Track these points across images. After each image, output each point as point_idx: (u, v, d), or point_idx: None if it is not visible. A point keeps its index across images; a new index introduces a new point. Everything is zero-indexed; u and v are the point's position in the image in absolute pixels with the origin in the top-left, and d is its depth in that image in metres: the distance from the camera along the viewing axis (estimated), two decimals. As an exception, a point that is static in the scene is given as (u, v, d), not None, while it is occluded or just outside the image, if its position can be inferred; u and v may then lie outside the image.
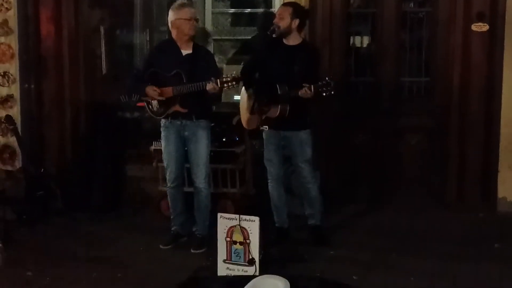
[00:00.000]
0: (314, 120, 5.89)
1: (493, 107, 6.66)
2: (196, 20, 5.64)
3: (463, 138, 6.76)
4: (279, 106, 5.48)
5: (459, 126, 6.75)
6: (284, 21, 5.60)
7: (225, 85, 5.25)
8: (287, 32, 5.63)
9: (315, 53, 5.92)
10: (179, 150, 5.71)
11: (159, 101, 5.60)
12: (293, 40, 5.68)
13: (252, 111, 5.75)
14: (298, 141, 5.69)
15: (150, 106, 5.71)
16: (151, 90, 5.58)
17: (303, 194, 5.92)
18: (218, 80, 5.24)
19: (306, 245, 5.77)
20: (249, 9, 9.64)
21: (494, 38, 6.58)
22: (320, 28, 6.95)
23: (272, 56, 5.68)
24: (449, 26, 6.73)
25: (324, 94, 5.29)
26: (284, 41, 5.68)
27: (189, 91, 5.41)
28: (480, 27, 6.57)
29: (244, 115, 5.89)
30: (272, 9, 7.68)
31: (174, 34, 5.64)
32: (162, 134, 5.74)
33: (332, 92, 5.29)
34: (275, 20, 5.65)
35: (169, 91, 5.54)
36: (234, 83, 5.26)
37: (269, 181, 5.88)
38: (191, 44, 5.65)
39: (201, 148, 5.63)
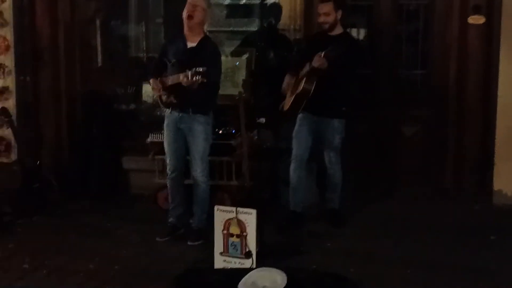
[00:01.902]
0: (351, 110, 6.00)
1: (489, 99, 6.67)
2: (195, 5, 5.51)
3: (460, 130, 6.79)
4: (303, 82, 5.60)
5: (456, 118, 6.78)
6: (330, 16, 5.77)
7: (194, 78, 5.14)
8: (334, 26, 5.80)
9: (357, 41, 6.25)
10: (177, 141, 5.70)
11: (165, 91, 5.62)
12: (337, 30, 5.85)
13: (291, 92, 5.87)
14: (329, 129, 5.84)
15: (160, 97, 5.72)
16: (153, 83, 5.65)
17: (326, 179, 6.07)
18: (189, 72, 5.16)
19: (303, 238, 5.78)
20: (244, 1, 9.62)
21: (491, 31, 6.60)
22: (317, 20, 6.93)
23: (318, 48, 5.66)
24: (445, 19, 6.74)
25: (334, 54, 5.38)
26: (328, 32, 5.84)
27: (174, 83, 5.42)
28: (476, 19, 6.58)
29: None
30: (266, 1, 7.71)
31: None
32: (164, 122, 5.78)
33: (341, 51, 5.38)
34: (322, 19, 5.79)
35: (164, 81, 5.58)
36: (199, 77, 5.13)
37: (292, 162, 5.95)
38: (199, 37, 5.62)
39: (198, 142, 5.62)
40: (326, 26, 5.80)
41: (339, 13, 5.80)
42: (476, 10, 6.58)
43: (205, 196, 5.75)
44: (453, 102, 6.78)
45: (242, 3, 9.55)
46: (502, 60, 6.57)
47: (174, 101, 5.54)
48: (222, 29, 9.65)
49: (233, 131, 6.55)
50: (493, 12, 6.57)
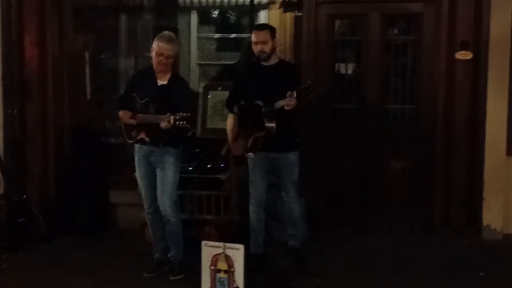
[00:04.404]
0: (301, 145, 5.88)
1: (477, 134, 6.69)
2: (168, 56, 5.49)
3: (448, 164, 6.78)
4: (265, 123, 5.42)
5: (444, 153, 6.78)
6: (268, 45, 5.62)
7: (178, 123, 5.11)
8: (271, 54, 5.66)
9: (295, 68, 5.99)
10: (149, 175, 5.66)
11: (132, 126, 5.59)
12: (272, 60, 5.71)
13: (237, 136, 5.71)
14: (287, 163, 5.68)
15: (127, 132, 5.69)
16: (123, 113, 5.61)
17: (286, 215, 5.89)
18: (171, 117, 5.13)
19: (292, 273, 5.73)
20: (234, 35, 9.68)
21: (478, 66, 6.64)
22: (306, 55, 7.00)
23: (255, 80, 5.63)
24: (433, 54, 6.78)
25: (307, 97, 5.23)
26: (263, 63, 5.68)
27: (150, 122, 5.38)
28: (464, 55, 6.63)
29: (232, 142, 5.85)
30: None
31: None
32: (135, 159, 5.73)
33: (316, 93, 5.23)
34: (259, 47, 5.61)
35: (138, 117, 5.54)
36: (184, 122, 5.11)
37: (250, 204, 5.84)
38: (169, 75, 5.60)
39: (167, 175, 5.56)
40: (264, 55, 5.61)
41: (275, 41, 5.68)
42: (464, 46, 6.63)
43: (177, 230, 5.68)
44: (441, 136, 6.79)
45: (232, 36, 9.61)
46: (489, 95, 6.62)
47: (147, 139, 5.49)
48: (212, 62, 9.71)
49: (222, 165, 6.54)
50: (480, 47, 6.62)
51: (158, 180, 5.62)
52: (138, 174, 5.71)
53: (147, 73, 5.69)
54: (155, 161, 5.59)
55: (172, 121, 5.13)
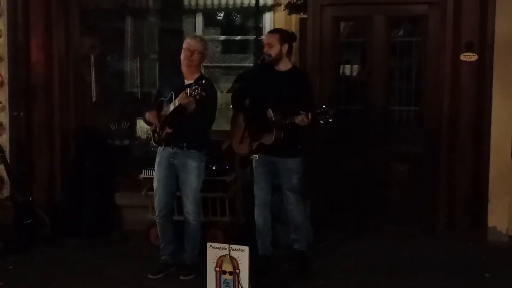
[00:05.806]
0: (304, 148, 5.85)
1: (482, 136, 6.68)
2: (194, 51, 5.60)
3: (453, 166, 6.77)
4: (274, 133, 5.43)
5: (448, 155, 6.77)
6: (274, 48, 5.62)
7: (195, 93, 5.14)
8: (278, 59, 5.64)
9: (307, 77, 5.94)
10: (169, 177, 5.70)
11: (160, 127, 5.63)
12: (284, 65, 5.69)
13: (243, 137, 5.71)
14: (285, 169, 5.66)
15: (155, 134, 5.73)
16: (148, 113, 5.68)
17: (289, 220, 5.88)
18: (187, 89, 5.21)
19: (296, 275, 5.73)
20: (239, 37, 9.69)
21: (483, 68, 6.62)
22: (311, 57, 7.00)
23: (264, 82, 5.62)
24: (438, 56, 6.77)
25: (321, 122, 5.23)
26: (275, 67, 5.68)
27: (172, 108, 5.43)
28: (469, 57, 6.62)
29: (235, 140, 5.86)
30: (262, 37, 7.72)
31: None
32: (156, 160, 5.77)
33: (330, 120, 5.23)
34: (265, 49, 5.65)
35: (162, 116, 5.60)
36: (197, 92, 5.12)
37: (255, 206, 5.84)
38: (196, 75, 5.67)
39: (191, 178, 5.62)
40: (269, 58, 5.61)
41: (285, 47, 5.64)
42: (469, 48, 6.63)
43: (196, 233, 5.74)
44: (446, 138, 6.77)
45: (237, 39, 9.62)
46: (494, 97, 6.61)
47: (169, 131, 5.51)
48: (217, 64, 9.73)
49: (227, 166, 6.54)
50: (485, 49, 6.61)
51: (181, 183, 5.67)
52: (157, 175, 5.74)
53: (175, 74, 5.79)
54: (179, 164, 5.63)
55: (188, 93, 5.17)
